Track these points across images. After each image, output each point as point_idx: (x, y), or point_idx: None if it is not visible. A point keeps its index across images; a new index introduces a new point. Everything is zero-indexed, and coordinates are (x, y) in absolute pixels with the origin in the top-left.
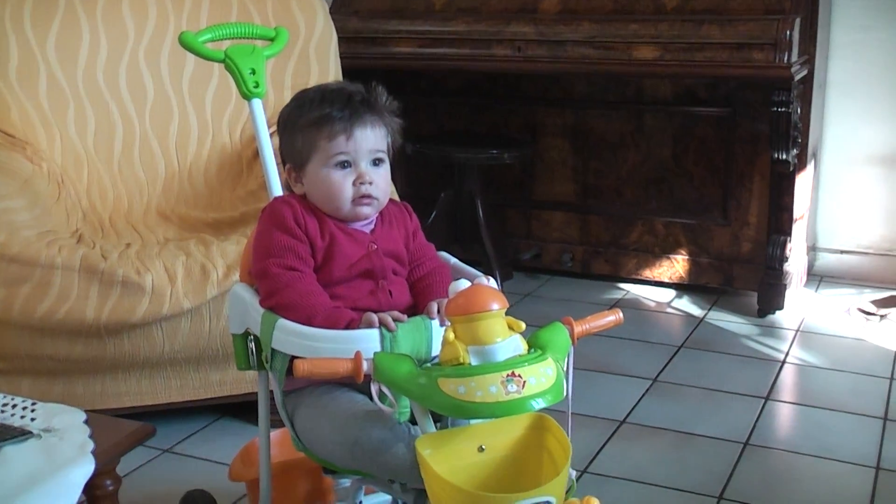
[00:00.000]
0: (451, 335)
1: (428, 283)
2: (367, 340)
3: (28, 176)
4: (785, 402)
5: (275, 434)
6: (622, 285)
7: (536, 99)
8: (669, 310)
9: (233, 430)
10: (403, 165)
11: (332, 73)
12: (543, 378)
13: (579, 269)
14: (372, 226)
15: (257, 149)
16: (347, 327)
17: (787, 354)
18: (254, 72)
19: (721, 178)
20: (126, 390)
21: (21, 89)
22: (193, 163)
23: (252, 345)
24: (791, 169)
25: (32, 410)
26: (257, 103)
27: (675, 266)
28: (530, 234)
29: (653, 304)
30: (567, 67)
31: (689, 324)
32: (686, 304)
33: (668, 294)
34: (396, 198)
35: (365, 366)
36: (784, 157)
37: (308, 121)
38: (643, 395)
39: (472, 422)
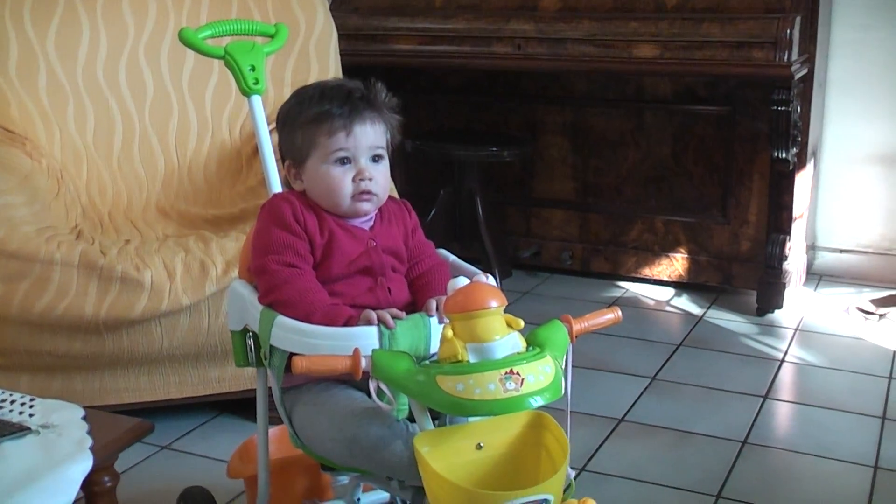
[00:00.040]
0: (450, 332)
1: (427, 280)
2: (365, 337)
3: (27, 172)
4: (783, 400)
5: (273, 431)
6: (621, 283)
7: (536, 97)
8: (668, 308)
9: (231, 427)
10: (403, 163)
11: (332, 70)
12: (542, 376)
13: (578, 267)
14: (371, 223)
15: (257, 145)
16: (346, 324)
17: (785, 353)
18: (253, 68)
19: (721, 176)
20: (125, 387)
21: (21, 85)
22: (193, 159)
23: (251, 341)
24: (791, 168)
25: (31, 406)
26: (257, 100)
27: (675, 264)
28: (530, 232)
29: (652, 303)
30: (567, 65)
31: (688, 322)
32: (685, 303)
33: (667, 292)
34: (396, 195)
35: (363, 363)
36: (784, 155)
37: (308, 117)
38: (642, 393)
39: (471, 419)
